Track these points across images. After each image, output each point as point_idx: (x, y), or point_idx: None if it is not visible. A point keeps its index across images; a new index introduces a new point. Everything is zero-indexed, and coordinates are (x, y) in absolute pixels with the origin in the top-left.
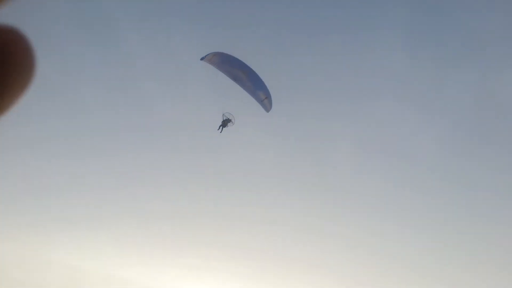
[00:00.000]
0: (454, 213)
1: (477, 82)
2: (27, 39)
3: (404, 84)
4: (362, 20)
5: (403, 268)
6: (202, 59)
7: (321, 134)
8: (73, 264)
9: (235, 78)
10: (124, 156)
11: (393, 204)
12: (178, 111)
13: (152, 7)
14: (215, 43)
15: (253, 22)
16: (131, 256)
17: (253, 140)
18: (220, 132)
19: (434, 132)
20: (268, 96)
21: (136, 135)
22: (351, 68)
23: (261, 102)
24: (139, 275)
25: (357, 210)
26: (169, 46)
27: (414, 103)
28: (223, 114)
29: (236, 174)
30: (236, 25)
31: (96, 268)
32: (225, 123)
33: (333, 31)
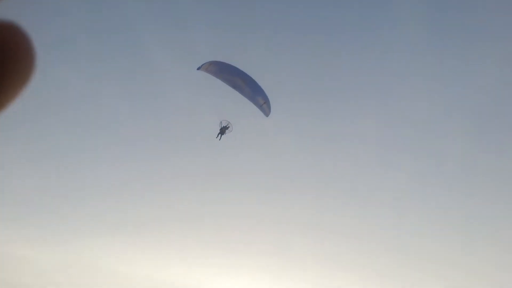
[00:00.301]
0: (482, 208)
1: (500, 71)
2: (27, 35)
3: (424, 77)
4: (375, 14)
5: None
6: (198, 68)
7: (338, 134)
8: (115, 268)
9: (233, 85)
10: (152, 162)
11: (414, 198)
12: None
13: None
14: (226, 45)
15: (270, 24)
16: (173, 258)
17: (266, 142)
18: (219, 139)
19: (457, 124)
20: (266, 101)
21: (152, 141)
22: (367, 64)
23: (260, 107)
24: (180, 276)
25: (376, 207)
26: (190, 52)
27: (436, 95)
28: (220, 122)
29: (257, 176)
30: (250, 26)
31: (137, 270)
32: (223, 130)
33: (346, 29)
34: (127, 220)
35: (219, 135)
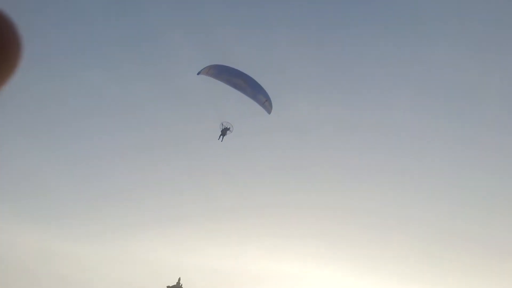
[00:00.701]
0: None
1: None
2: (14, 23)
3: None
4: None
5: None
6: (198, 73)
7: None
8: (173, 259)
9: (235, 86)
10: (200, 160)
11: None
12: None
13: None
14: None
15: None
16: (228, 247)
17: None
18: (221, 141)
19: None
20: (268, 98)
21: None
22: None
23: (262, 104)
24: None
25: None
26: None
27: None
28: (221, 123)
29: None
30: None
31: (197, 261)
32: (224, 131)
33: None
34: (162, 217)
35: (221, 136)
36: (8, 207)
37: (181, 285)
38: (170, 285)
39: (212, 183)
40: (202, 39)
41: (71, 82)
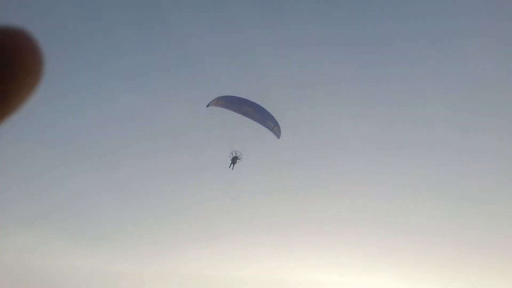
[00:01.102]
0: None
1: None
2: (35, 41)
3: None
4: None
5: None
6: (207, 106)
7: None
8: (195, 272)
9: (244, 114)
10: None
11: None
12: None
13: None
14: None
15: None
16: (249, 257)
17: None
18: (232, 169)
19: None
20: (276, 124)
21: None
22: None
23: (271, 129)
24: (258, 273)
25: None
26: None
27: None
28: (230, 153)
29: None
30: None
31: (217, 272)
32: (234, 160)
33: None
34: (208, 234)
35: (232, 165)
36: (63, 232)
37: None
38: None
39: (250, 202)
40: (239, 65)
41: (108, 106)
